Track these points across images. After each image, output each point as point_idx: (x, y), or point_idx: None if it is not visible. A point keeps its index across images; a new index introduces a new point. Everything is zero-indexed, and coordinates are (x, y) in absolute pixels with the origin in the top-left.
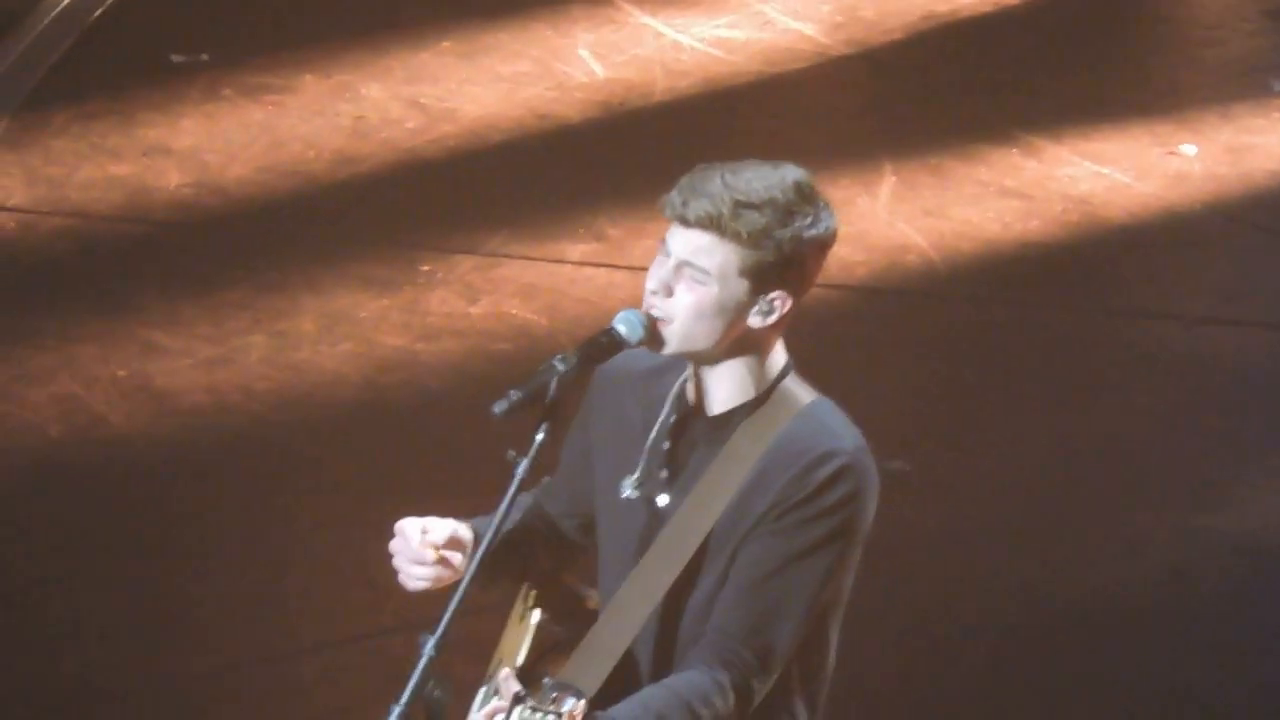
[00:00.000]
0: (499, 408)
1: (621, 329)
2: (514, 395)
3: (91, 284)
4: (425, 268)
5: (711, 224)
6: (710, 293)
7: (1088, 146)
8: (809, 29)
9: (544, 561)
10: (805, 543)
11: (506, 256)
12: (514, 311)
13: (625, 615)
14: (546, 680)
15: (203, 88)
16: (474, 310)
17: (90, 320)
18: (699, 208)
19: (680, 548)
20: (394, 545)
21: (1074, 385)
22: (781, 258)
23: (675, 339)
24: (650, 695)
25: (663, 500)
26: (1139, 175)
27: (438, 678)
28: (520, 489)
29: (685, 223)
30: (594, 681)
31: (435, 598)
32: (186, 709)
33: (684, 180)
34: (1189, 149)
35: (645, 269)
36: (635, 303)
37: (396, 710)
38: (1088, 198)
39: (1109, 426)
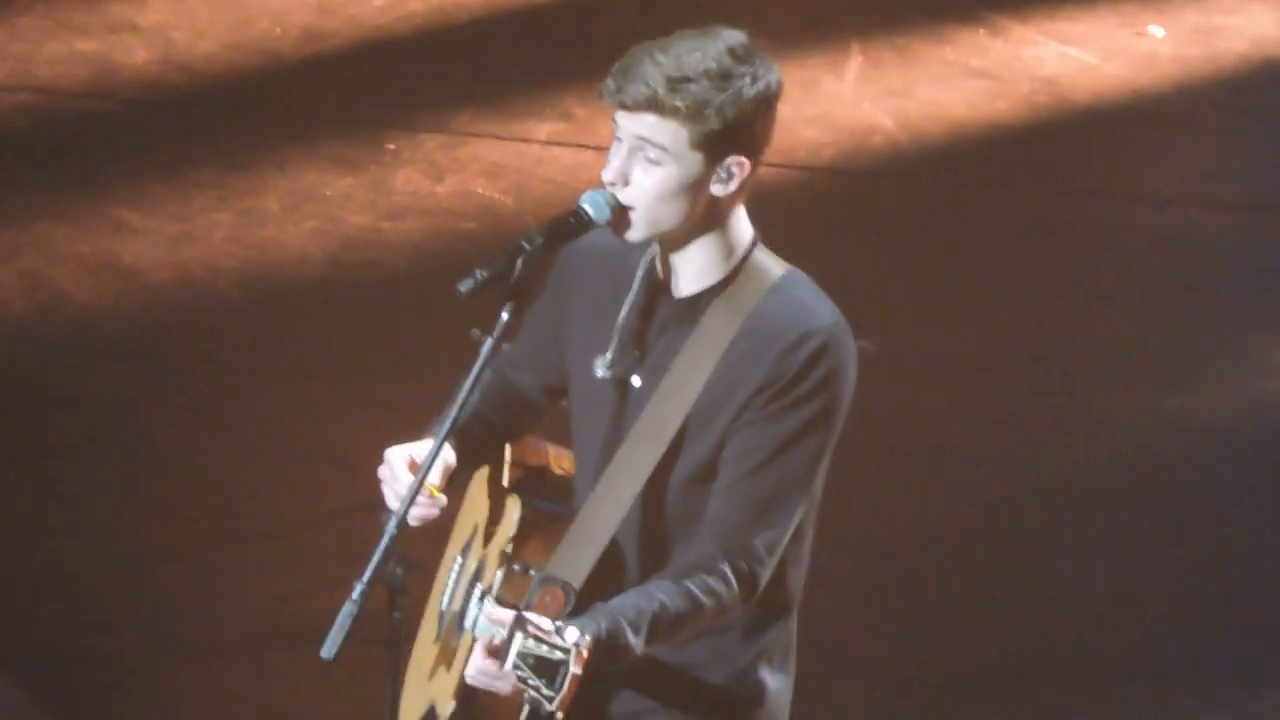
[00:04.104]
0: (464, 286)
1: (588, 209)
2: (480, 274)
3: (57, 161)
4: (391, 146)
5: (650, 105)
6: (667, 172)
7: (1054, 26)
8: None
9: (517, 431)
10: (794, 426)
11: (473, 135)
12: (480, 190)
13: (609, 501)
14: (533, 573)
15: None
16: (440, 189)
17: (56, 197)
18: (635, 91)
19: (659, 431)
20: (382, 474)
21: (1041, 266)
22: (726, 124)
23: (642, 224)
24: (651, 583)
25: (636, 381)
26: (1106, 56)
27: (400, 556)
28: (485, 367)
29: (625, 107)
30: (581, 572)
31: None
32: (154, 587)
33: (617, 65)
34: (1157, 30)
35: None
36: (601, 183)
37: (359, 587)
38: (1055, 78)
39: (1076, 307)
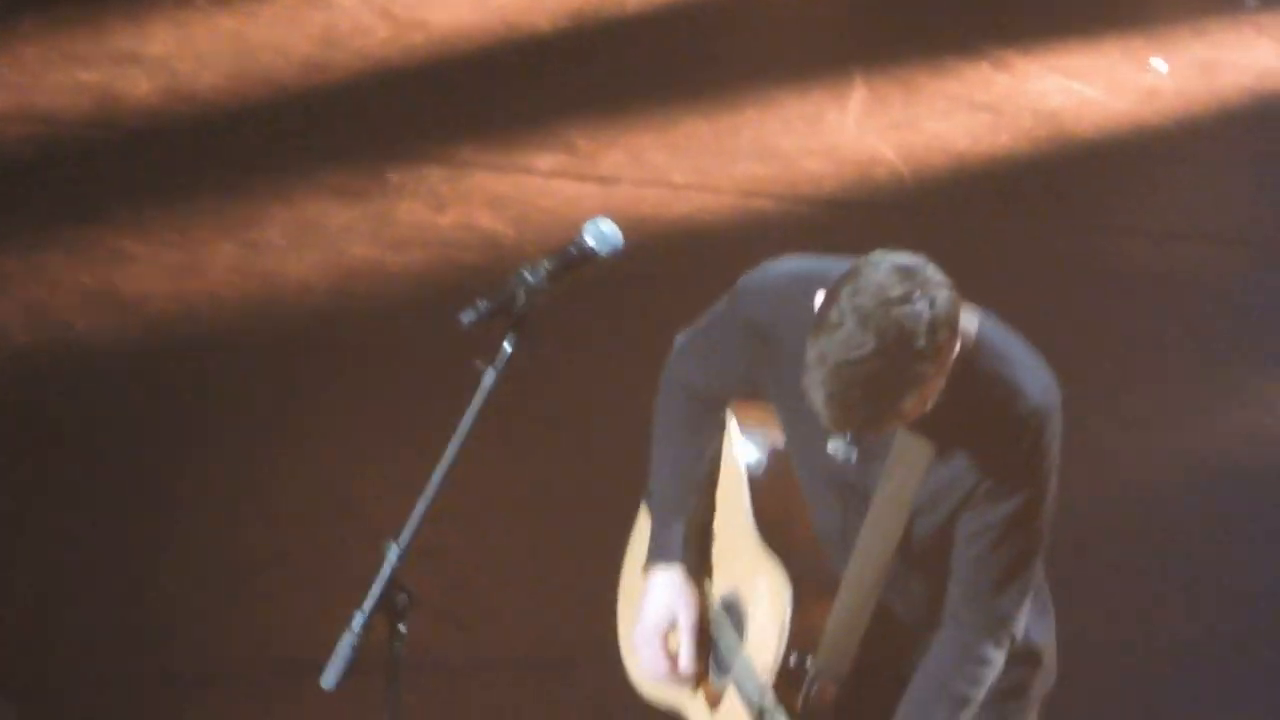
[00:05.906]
0: (467, 317)
1: (590, 240)
2: (482, 305)
3: (59, 191)
4: (393, 177)
5: (878, 428)
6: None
7: (1058, 60)
8: None
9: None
10: (1021, 504)
11: (475, 167)
12: (482, 222)
13: (859, 588)
14: (808, 666)
15: None
16: (442, 220)
17: (57, 227)
18: (857, 424)
19: (891, 522)
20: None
21: (1042, 300)
22: (940, 371)
23: None
24: (920, 697)
25: (854, 463)
26: (1109, 91)
27: (401, 586)
28: (486, 399)
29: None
30: (848, 659)
31: (403, 507)
32: (153, 617)
33: (822, 390)
34: (1160, 64)
35: (615, 180)
36: (603, 214)
37: (359, 618)
38: (1058, 113)
39: (1076, 341)
